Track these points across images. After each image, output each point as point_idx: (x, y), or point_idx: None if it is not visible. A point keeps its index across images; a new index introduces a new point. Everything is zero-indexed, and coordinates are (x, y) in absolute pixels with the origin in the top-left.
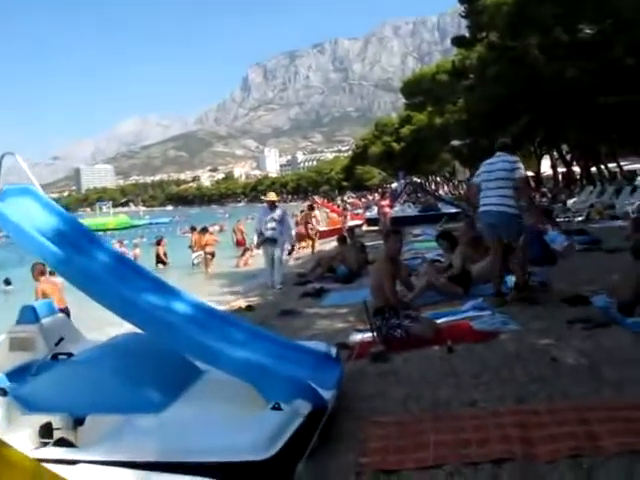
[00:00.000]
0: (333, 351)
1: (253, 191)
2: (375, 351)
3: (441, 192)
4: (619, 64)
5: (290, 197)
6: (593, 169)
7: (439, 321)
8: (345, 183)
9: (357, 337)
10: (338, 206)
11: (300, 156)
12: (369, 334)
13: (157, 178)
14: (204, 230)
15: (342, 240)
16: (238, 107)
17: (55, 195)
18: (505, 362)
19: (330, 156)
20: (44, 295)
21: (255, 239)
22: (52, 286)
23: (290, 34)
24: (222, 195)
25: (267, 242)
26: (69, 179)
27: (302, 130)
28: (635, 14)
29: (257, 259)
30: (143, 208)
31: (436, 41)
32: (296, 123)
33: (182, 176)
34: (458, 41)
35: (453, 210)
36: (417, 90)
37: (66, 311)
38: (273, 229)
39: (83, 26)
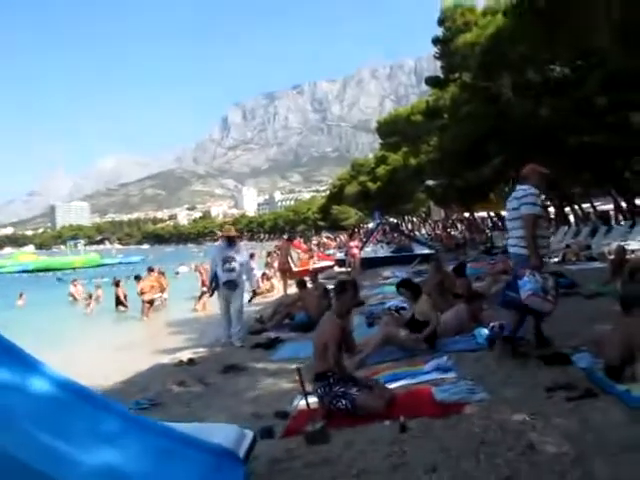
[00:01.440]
0: (244, 441)
1: None
2: (312, 430)
3: (418, 233)
4: (591, 103)
5: (267, 236)
6: (567, 209)
7: (396, 385)
8: (322, 223)
9: (302, 402)
10: (307, 244)
11: (278, 195)
12: (314, 399)
13: (134, 216)
14: (151, 270)
15: (302, 284)
16: (217, 146)
17: (30, 232)
18: (468, 449)
19: (308, 196)
20: None
21: (206, 284)
22: None
23: (269, 75)
24: (199, 234)
25: (224, 287)
26: (45, 216)
27: (280, 170)
28: (610, 47)
29: (216, 302)
30: (118, 246)
31: (412, 84)
32: (275, 163)
33: (159, 214)
34: (432, 81)
35: (427, 251)
36: (392, 130)
37: None
38: (231, 270)
39: (71, 57)
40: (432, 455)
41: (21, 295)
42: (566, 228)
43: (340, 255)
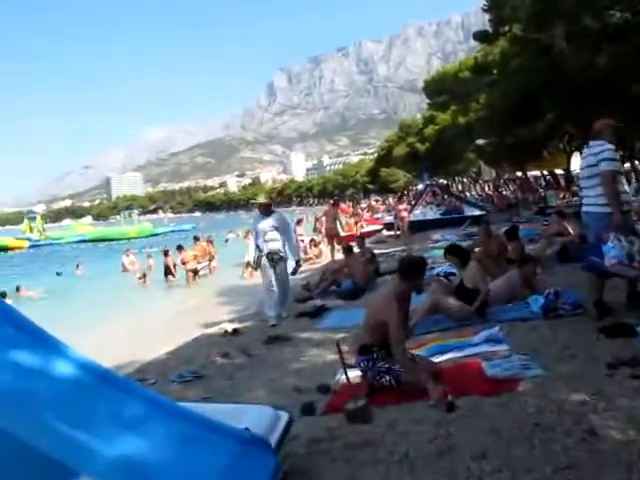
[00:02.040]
0: (278, 424)
1: (279, 195)
2: (353, 408)
3: (468, 194)
4: None
5: (316, 201)
6: (626, 165)
7: (443, 358)
8: (370, 186)
9: (343, 377)
10: (354, 208)
11: (326, 160)
12: (357, 372)
13: (185, 185)
14: (197, 239)
15: (348, 250)
16: (264, 112)
17: (87, 204)
18: (521, 433)
19: (356, 159)
20: None
21: (251, 256)
22: None
23: (314, 38)
24: (249, 200)
25: (267, 258)
26: (100, 187)
27: (328, 134)
28: None
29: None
30: (171, 215)
31: (460, 40)
32: (322, 127)
33: (210, 182)
34: (480, 36)
35: (478, 212)
36: (440, 89)
37: None
38: (273, 240)
39: (115, 36)
40: (481, 438)
41: (78, 266)
42: (626, 186)
43: (389, 219)
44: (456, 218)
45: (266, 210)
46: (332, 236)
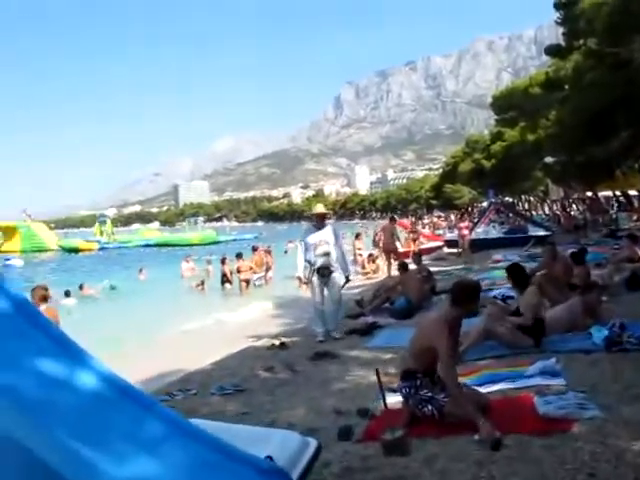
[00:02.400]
0: (305, 452)
1: (342, 208)
2: (391, 438)
3: (534, 213)
4: None
5: (379, 215)
6: None
7: (493, 388)
8: (434, 201)
9: (389, 400)
10: (413, 224)
11: (391, 174)
12: (399, 398)
13: (250, 194)
14: (255, 249)
15: (403, 267)
16: (330, 125)
17: (155, 210)
18: None
19: (421, 174)
20: None
21: (300, 270)
22: (53, 316)
23: (382, 52)
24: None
25: (319, 274)
26: (169, 194)
27: (393, 148)
28: None
29: None
30: (235, 224)
31: (532, 55)
32: (387, 141)
33: (274, 192)
34: (553, 50)
35: (542, 233)
36: (508, 105)
37: None
38: (326, 255)
39: (181, 46)
40: None
41: (141, 270)
42: None
43: (450, 235)
44: (520, 238)
45: (322, 221)
46: (389, 252)
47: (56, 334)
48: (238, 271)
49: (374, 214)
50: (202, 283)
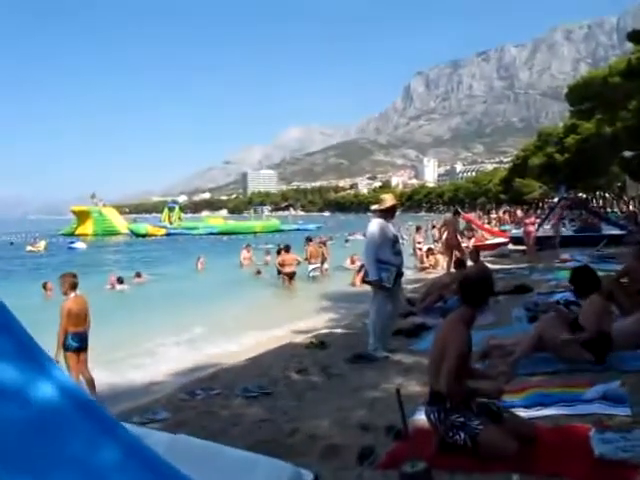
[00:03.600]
0: None
1: (409, 200)
2: (411, 472)
3: (609, 210)
4: None
5: (446, 208)
6: None
7: (543, 413)
8: (503, 196)
9: (419, 418)
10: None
11: (459, 166)
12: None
13: (317, 184)
14: (310, 240)
15: (460, 264)
16: (399, 116)
17: (224, 197)
18: None
19: (490, 167)
20: (69, 315)
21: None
22: (81, 304)
23: (454, 42)
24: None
25: (398, 277)
26: (238, 182)
27: (463, 140)
28: None
29: None
30: (301, 213)
31: (614, 44)
32: (457, 133)
33: (341, 183)
34: (636, 36)
35: (617, 232)
36: (585, 95)
37: (84, 336)
38: (399, 254)
39: (254, 40)
40: None
41: (199, 259)
42: None
43: (516, 232)
44: (591, 237)
45: (393, 214)
46: (451, 247)
47: (19, 335)
48: (282, 265)
49: (441, 207)
50: (258, 272)
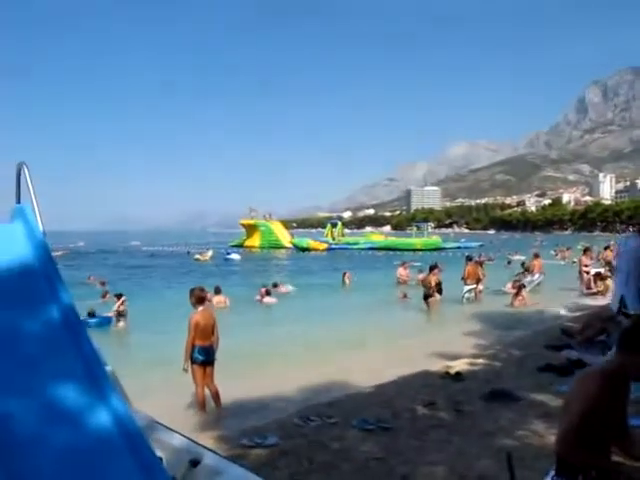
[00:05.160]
0: None
1: (581, 219)
2: None
3: None
4: None
5: (624, 227)
6: None
7: None
8: None
9: None
10: None
11: None
12: None
13: (483, 201)
14: (470, 259)
15: None
16: (572, 129)
17: (388, 214)
18: None
19: None
20: (196, 328)
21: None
22: (208, 318)
23: (635, 47)
24: (547, 221)
25: None
26: (401, 199)
27: None
28: None
29: (540, 296)
30: (465, 230)
31: None
32: (638, 145)
33: (507, 200)
34: None
35: None
36: None
37: (211, 350)
38: None
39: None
40: None
41: (345, 274)
42: None
43: None
44: None
45: None
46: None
47: (87, 355)
48: (424, 285)
49: (618, 226)
50: (405, 295)
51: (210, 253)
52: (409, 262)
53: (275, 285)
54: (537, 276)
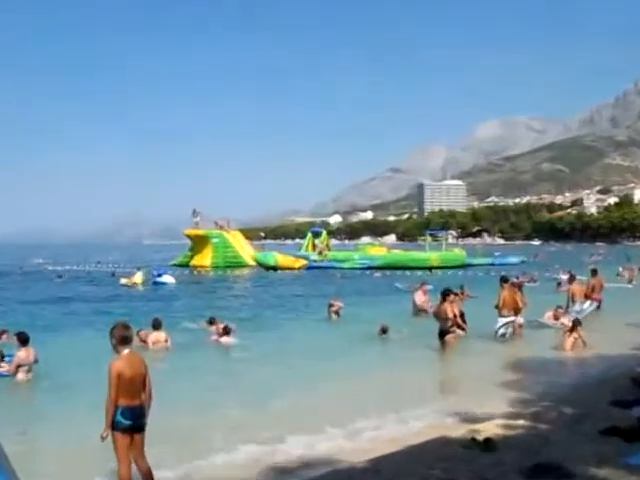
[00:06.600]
0: None
1: None
2: None
3: None
4: None
5: None
6: None
7: None
8: None
9: None
10: None
11: None
12: None
13: (524, 200)
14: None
15: None
16: None
17: (392, 218)
18: None
19: None
20: (120, 380)
21: None
22: (136, 367)
23: None
24: (614, 227)
25: None
26: (410, 198)
27: None
28: None
29: (600, 333)
30: (500, 241)
31: None
32: None
33: (558, 199)
34: None
35: None
36: None
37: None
38: None
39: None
40: None
41: (331, 305)
42: None
43: None
44: None
45: None
46: None
47: None
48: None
49: None
50: (384, 331)
51: (140, 275)
52: (427, 283)
53: (212, 321)
54: (588, 304)
